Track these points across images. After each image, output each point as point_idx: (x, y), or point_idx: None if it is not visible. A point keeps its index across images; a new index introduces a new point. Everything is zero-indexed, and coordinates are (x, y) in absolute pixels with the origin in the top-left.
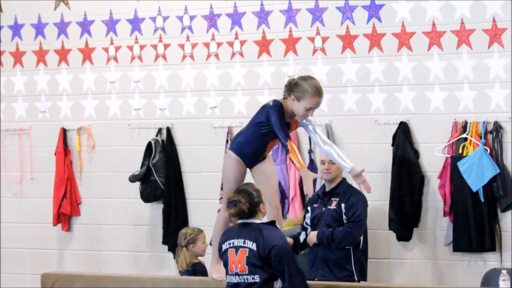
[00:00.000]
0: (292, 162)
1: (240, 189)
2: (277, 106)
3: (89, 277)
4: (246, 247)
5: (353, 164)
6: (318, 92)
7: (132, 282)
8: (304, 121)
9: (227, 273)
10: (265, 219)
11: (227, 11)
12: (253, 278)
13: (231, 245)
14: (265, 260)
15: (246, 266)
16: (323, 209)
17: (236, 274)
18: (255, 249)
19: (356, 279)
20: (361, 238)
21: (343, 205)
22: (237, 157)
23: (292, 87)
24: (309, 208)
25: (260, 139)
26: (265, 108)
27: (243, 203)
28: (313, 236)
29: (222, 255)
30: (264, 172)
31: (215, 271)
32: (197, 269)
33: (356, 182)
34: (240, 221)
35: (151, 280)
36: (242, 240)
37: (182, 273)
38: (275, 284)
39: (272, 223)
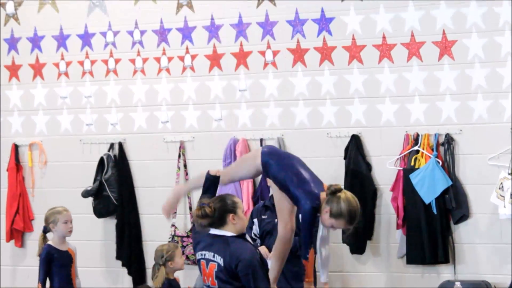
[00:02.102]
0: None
1: (218, 195)
2: (313, 212)
3: None
4: (215, 262)
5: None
6: (351, 222)
7: None
8: None
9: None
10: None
11: (177, 26)
12: None
13: (203, 257)
14: (233, 275)
15: (216, 281)
16: (276, 220)
17: (208, 287)
18: (222, 264)
19: None
20: None
21: (300, 216)
22: (261, 163)
23: (333, 199)
24: (255, 220)
25: (281, 192)
26: (304, 206)
27: (209, 206)
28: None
29: (197, 260)
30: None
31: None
32: (173, 286)
33: None
34: (211, 231)
35: None
36: (212, 253)
37: None
38: None
39: (242, 236)
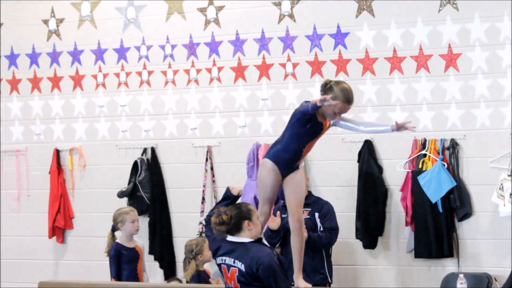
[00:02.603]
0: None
1: (234, 204)
2: (305, 103)
3: (82, 286)
4: (236, 267)
5: (390, 124)
6: (348, 100)
7: None
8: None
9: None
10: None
11: (205, 40)
12: None
13: (223, 262)
14: (254, 278)
15: (238, 284)
16: None
17: None
18: (243, 269)
19: (330, 281)
20: None
21: (317, 214)
22: (273, 164)
23: (326, 90)
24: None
25: (297, 142)
26: (297, 108)
27: (225, 214)
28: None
29: (217, 264)
30: (293, 183)
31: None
32: (202, 277)
33: (403, 131)
34: (229, 238)
35: None
36: (232, 260)
37: (188, 282)
38: None
39: (259, 240)
